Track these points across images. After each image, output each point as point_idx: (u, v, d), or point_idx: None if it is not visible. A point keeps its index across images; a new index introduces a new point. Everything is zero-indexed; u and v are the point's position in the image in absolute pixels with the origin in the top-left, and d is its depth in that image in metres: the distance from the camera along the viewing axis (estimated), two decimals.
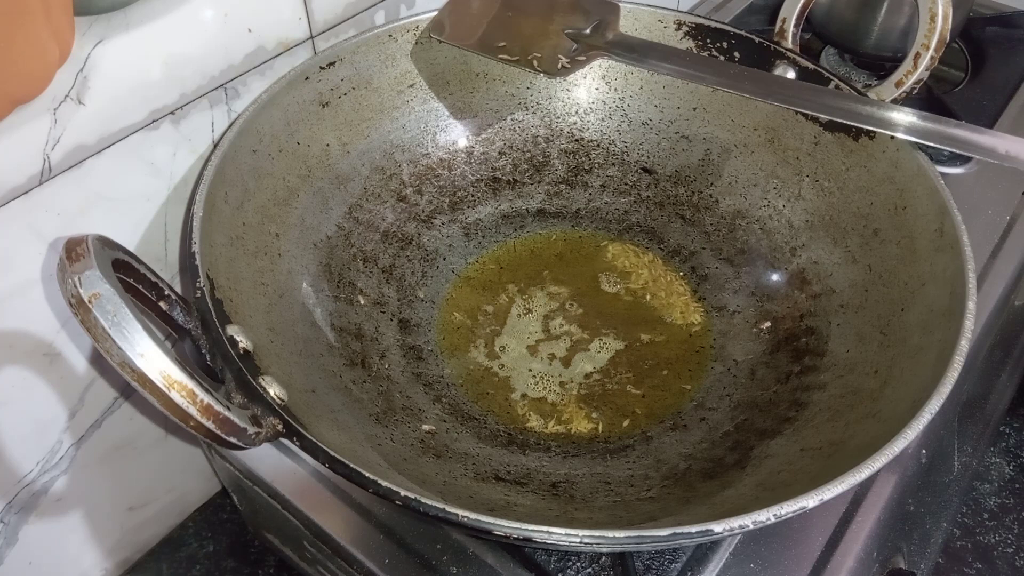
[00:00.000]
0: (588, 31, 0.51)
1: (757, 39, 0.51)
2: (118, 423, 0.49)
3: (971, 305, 0.37)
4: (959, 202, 0.42)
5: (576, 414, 0.46)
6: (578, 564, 0.41)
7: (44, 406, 0.45)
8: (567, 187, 0.56)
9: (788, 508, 0.30)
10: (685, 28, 0.53)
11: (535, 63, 0.50)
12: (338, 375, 0.43)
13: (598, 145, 0.56)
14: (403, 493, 0.30)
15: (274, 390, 0.34)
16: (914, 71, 0.50)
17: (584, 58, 0.50)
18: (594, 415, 0.46)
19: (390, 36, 0.51)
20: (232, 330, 0.36)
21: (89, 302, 0.28)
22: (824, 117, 0.47)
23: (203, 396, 0.29)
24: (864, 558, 0.42)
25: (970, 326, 0.36)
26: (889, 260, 0.45)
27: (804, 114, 0.50)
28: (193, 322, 0.36)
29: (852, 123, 0.45)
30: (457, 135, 0.55)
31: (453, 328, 0.50)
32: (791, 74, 0.50)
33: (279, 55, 0.47)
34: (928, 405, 0.33)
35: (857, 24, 0.65)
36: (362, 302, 0.48)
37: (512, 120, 0.56)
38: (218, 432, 0.30)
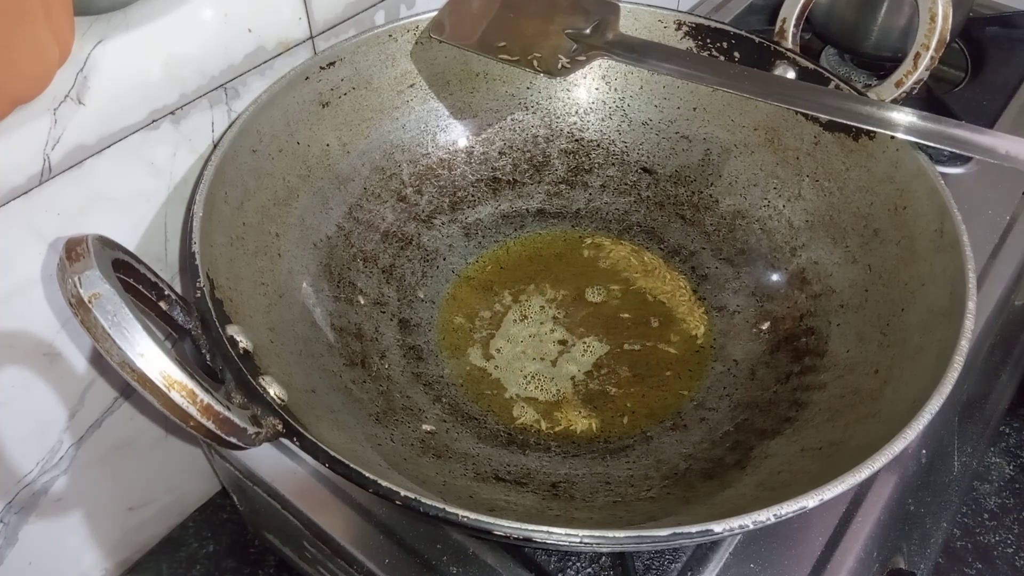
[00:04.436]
0: (588, 31, 0.51)
1: (757, 39, 0.51)
2: (118, 423, 0.49)
3: (971, 305, 0.37)
4: (959, 202, 0.42)
5: (576, 414, 0.46)
6: (578, 564, 0.41)
7: (44, 406, 0.45)
8: (567, 187, 0.56)
9: (788, 508, 0.30)
10: (685, 28, 0.53)
11: (535, 63, 0.50)
12: (338, 375, 0.43)
13: (598, 145, 0.56)
14: (403, 493, 0.30)
15: (274, 390, 0.34)
16: (914, 71, 0.50)
17: (584, 58, 0.50)
18: (593, 415, 0.46)
19: (390, 36, 0.51)
20: (232, 330, 0.36)
21: (89, 302, 0.28)
22: (824, 117, 0.47)
23: (203, 396, 0.29)
24: (864, 558, 0.42)
25: (970, 326, 0.36)
26: (889, 260, 0.45)
27: (804, 114, 0.50)
28: (193, 322, 0.36)
29: (852, 123, 0.45)
30: (457, 135, 0.55)
31: (453, 328, 0.50)
32: (791, 74, 0.50)
33: (279, 55, 0.47)
34: (928, 405, 0.33)
35: (857, 24, 0.65)
36: (362, 302, 0.48)
37: (512, 120, 0.56)
38: (218, 432, 0.30)
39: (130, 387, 0.44)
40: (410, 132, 0.53)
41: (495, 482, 0.41)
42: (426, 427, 0.43)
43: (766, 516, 0.30)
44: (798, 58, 0.50)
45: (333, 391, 0.42)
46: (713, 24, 0.52)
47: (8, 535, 0.46)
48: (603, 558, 0.41)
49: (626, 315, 0.51)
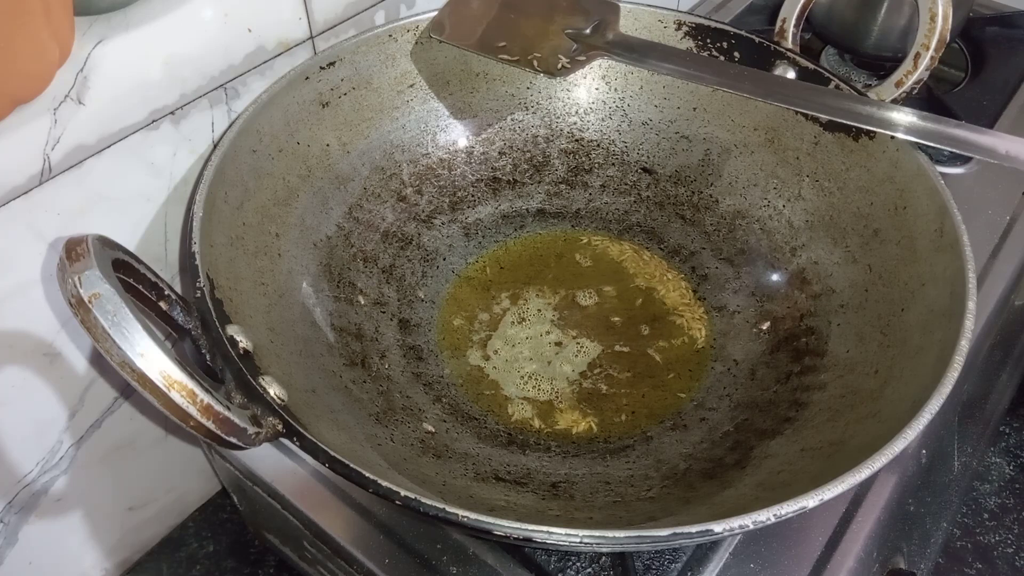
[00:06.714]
0: (588, 31, 0.51)
1: (757, 39, 0.51)
2: (118, 423, 0.49)
3: (971, 305, 0.37)
4: (959, 202, 0.42)
5: (575, 414, 0.46)
6: (578, 564, 0.41)
7: (44, 406, 0.45)
8: (567, 187, 0.56)
9: (788, 508, 0.30)
10: (685, 28, 0.53)
11: (535, 63, 0.50)
12: (338, 375, 0.43)
13: (598, 145, 0.56)
14: (403, 493, 0.30)
15: (274, 390, 0.34)
16: (914, 71, 0.50)
17: (584, 58, 0.50)
18: (592, 415, 0.46)
19: (390, 36, 0.51)
20: (232, 330, 0.36)
21: (89, 302, 0.28)
22: (824, 117, 0.47)
23: (203, 396, 0.29)
24: (864, 558, 0.42)
25: (970, 326, 0.36)
26: (889, 260, 0.45)
27: (804, 114, 0.50)
28: (193, 322, 0.36)
29: (852, 123, 0.45)
30: (457, 135, 0.55)
31: (453, 328, 0.50)
32: (791, 74, 0.50)
33: (279, 55, 0.47)
34: (928, 405, 0.33)
35: (857, 24, 0.65)
36: (362, 302, 0.48)
37: (512, 120, 0.56)
38: (218, 432, 0.30)
39: (130, 387, 0.44)
40: (410, 132, 0.53)
41: (495, 482, 0.41)
42: (426, 427, 0.43)
43: (766, 516, 0.30)
44: (798, 58, 0.50)
45: (333, 391, 0.42)
46: (713, 24, 0.52)
47: (8, 535, 0.46)
48: (603, 558, 0.41)
49: (625, 315, 0.51)
